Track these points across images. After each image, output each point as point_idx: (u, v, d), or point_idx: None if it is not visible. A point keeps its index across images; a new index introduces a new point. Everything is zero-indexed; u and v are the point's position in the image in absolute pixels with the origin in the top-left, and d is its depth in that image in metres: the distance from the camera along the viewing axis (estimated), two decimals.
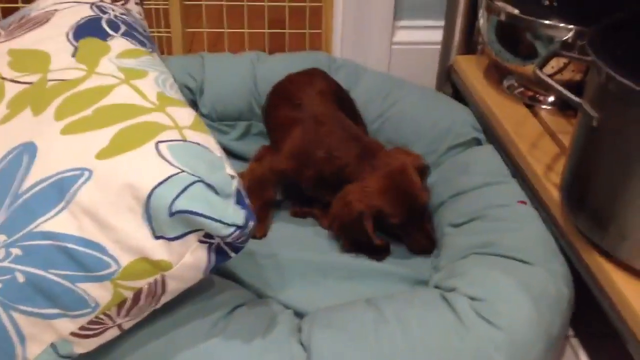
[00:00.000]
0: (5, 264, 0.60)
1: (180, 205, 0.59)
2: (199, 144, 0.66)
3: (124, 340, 0.67)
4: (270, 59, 1.23)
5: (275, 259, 0.90)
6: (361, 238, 0.91)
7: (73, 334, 0.62)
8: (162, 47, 1.45)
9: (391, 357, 0.68)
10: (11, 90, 0.76)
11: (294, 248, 0.93)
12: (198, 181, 0.61)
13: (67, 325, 0.62)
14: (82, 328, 0.62)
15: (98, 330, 0.63)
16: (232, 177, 0.65)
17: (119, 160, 0.62)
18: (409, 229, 0.92)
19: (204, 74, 1.19)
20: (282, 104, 1.05)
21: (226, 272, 0.84)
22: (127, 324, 0.65)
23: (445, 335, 0.70)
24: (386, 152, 0.95)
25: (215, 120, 1.18)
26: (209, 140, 0.69)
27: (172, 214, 0.59)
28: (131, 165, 0.62)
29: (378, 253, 0.93)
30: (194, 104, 1.19)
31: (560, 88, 0.75)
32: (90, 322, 0.62)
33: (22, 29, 0.88)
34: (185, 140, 0.66)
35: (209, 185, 0.61)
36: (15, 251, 0.60)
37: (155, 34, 1.44)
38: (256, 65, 1.20)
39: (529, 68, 1.02)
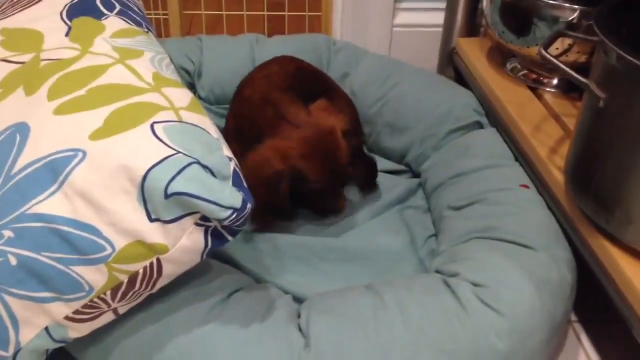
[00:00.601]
0: None
1: (176, 187, 0.58)
2: (195, 125, 0.65)
3: (119, 325, 0.66)
4: (270, 42, 1.21)
5: (273, 242, 0.89)
6: (271, 200, 0.86)
7: (67, 318, 0.61)
8: (160, 30, 1.44)
9: (390, 343, 0.67)
10: (3, 69, 0.74)
11: (292, 231, 0.92)
12: (194, 163, 0.60)
13: (61, 309, 0.61)
14: (76, 312, 0.61)
15: (93, 315, 0.63)
16: (229, 159, 0.63)
17: (113, 141, 0.61)
18: (324, 192, 0.91)
19: (202, 56, 1.17)
20: (235, 94, 1.06)
21: (223, 256, 0.83)
22: (123, 308, 0.64)
23: (446, 321, 0.69)
24: (310, 111, 0.91)
25: (214, 103, 1.17)
26: (205, 122, 0.67)
27: (167, 196, 0.58)
28: (126, 146, 0.60)
29: (284, 218, 0.92)
30: (191, 87, 1.17)
31: (566, 68, 0.74)
32: (85, 306, 0.61)
33: (14, 7, 0.86)
34: (181, 121, 0.64)
35: (205, 167, 0.60)
36: (8, 233, 0.59)
37: (153, 16, 1.42)
38: (255, 48, 1.19)
39: (533, 50, 1.00)
